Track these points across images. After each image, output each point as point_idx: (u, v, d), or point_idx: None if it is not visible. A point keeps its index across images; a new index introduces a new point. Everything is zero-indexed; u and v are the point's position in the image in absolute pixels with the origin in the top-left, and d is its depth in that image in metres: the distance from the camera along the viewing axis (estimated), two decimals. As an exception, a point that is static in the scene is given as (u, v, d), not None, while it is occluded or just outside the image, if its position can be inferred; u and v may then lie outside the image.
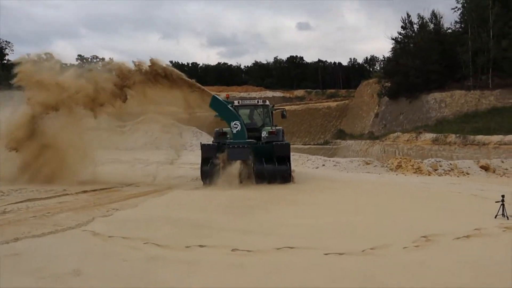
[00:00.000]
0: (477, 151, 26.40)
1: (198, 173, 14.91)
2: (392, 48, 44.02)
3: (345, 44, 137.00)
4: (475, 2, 36.30)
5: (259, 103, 12.93)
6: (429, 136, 30.94)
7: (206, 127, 30.43)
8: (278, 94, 71.42)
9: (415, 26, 39.70)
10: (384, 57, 52.34)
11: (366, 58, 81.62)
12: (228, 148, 10.90)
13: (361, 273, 4.23)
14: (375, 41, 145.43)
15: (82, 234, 5.47)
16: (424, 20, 39.07)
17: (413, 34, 39.60)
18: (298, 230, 6.11)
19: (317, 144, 48.81)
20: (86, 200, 8.71)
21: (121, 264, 4.28)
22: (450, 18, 55.43)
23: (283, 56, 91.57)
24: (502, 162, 18.25)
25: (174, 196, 9.07)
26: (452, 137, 28.85)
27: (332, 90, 74.01)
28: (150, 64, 11.71)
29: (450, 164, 16.23)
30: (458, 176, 15.17)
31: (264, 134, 11.71)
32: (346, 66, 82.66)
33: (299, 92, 74.86)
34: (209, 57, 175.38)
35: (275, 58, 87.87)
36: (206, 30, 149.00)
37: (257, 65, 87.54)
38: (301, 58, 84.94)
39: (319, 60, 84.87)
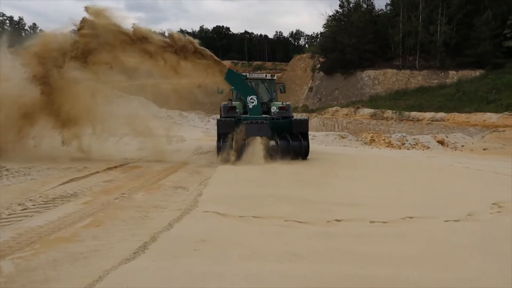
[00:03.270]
0: (412, 126, 29.31)
1: (194, 146, 14.77)
2: (326, 24, 45.92)
3: (267, 17, 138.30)
4: (405, -13, 39.18)
5: (267, 77, 12.95)
6: (367, 111, 33.39)
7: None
8: (204, 64, 70.25)
9: (351, 5, 41.66)
10: (320, 34, 54.02)
11: (292, 32, 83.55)
12: (247, 124, 10.76)
13: (496, 234, 4.86)
14: (297, 16, 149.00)
15: (211, 215, 5.28)
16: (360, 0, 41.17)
17: (349, 13, 41.58)
18: (386, 202, 6.60)
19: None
20: (129, 178, 8.23)
21: (309, 242, 4.36)
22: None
23: (207, 26, 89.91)
24: (446, 137, 20.67)
25: (227, 172, 8.83)
26: (388, 113, 31.53)
27: (259, 63, 74.94)
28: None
29: (414, 139, 18.03)
30: (423, 150, 16.95)
31: (274, 109, 11.75)
32: (271, 39, 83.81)
33: (226, 63, 74.12)
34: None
35: (201, 27, 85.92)
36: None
37: (182, 33, 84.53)
38: (228, 28, 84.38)
39: (246, 32, 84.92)
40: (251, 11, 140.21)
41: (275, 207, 5.93)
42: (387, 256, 4.06)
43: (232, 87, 11.98)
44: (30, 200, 6.02)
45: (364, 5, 41.92)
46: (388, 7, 42.65)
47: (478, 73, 33.79)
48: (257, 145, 10.48)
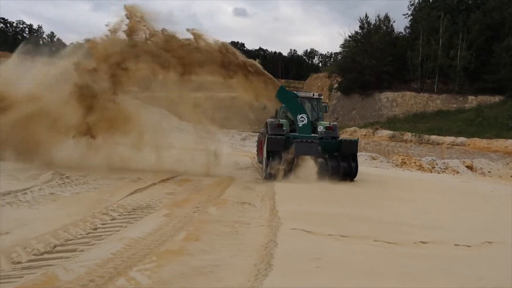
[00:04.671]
0: (432, 150, 29.19)
1: (229, 161, 14.81)
2: (343, 45, 46.43)
3: (280, 35, 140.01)
4: (425, 12, 39.62)
5: (314, 96, 12.98)
6: (386, 132, 33.36)
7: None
8: (218, 78, 70.96)
9: (371, 27, 42.13)
10: (335, 54, 54.54)
11: (306, 50, 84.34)
12: (296, 142, 10.70)
13: None
14: (309, 35, 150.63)
15: (300, 233, 5.31)
16: (380, 21, 41.66)
17: (369, 35, 42.03)
18: (456, 225, 6.66)
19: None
20: (188, 191, 8.31)
21: (411, 262, 4.40)
22: (399, 22, 60.24)
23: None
24: (472, 162, 20.67)
25: (287, 190, 8.82)
26: (408, 135, 31.47)
27: (272, 79, 75.50)
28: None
29: (444, 163, 18.04)
30: (453, 174, 16.95)
31: (320, 128, 11.67)
32: (285, 56, 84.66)
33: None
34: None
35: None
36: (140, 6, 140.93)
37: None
38: (243, 44, 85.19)
39: (260, 48, 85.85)
40: (265, 28, 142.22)
41: (354, 226, 5.99)
42: (490, 279, 4.14)
43: (283, 105, 12.05)
44: (112, 210, 6.13)
45: (384, 27, 42.39)
46: (407, 30, 43.14)
47: (497, 99, 33.88)
48: (308, 163, 10.46)
